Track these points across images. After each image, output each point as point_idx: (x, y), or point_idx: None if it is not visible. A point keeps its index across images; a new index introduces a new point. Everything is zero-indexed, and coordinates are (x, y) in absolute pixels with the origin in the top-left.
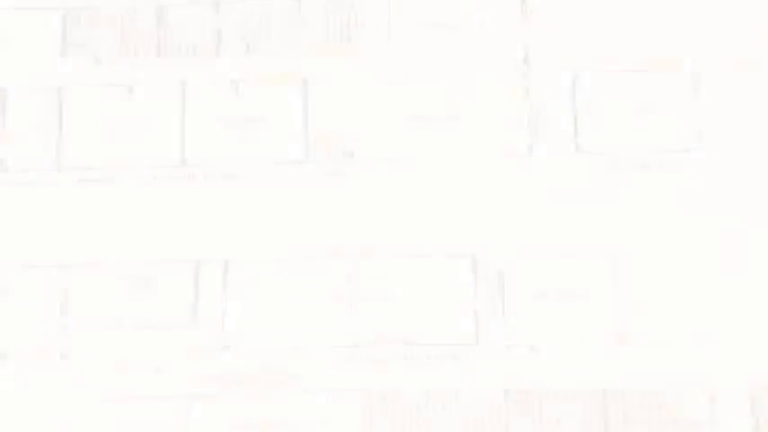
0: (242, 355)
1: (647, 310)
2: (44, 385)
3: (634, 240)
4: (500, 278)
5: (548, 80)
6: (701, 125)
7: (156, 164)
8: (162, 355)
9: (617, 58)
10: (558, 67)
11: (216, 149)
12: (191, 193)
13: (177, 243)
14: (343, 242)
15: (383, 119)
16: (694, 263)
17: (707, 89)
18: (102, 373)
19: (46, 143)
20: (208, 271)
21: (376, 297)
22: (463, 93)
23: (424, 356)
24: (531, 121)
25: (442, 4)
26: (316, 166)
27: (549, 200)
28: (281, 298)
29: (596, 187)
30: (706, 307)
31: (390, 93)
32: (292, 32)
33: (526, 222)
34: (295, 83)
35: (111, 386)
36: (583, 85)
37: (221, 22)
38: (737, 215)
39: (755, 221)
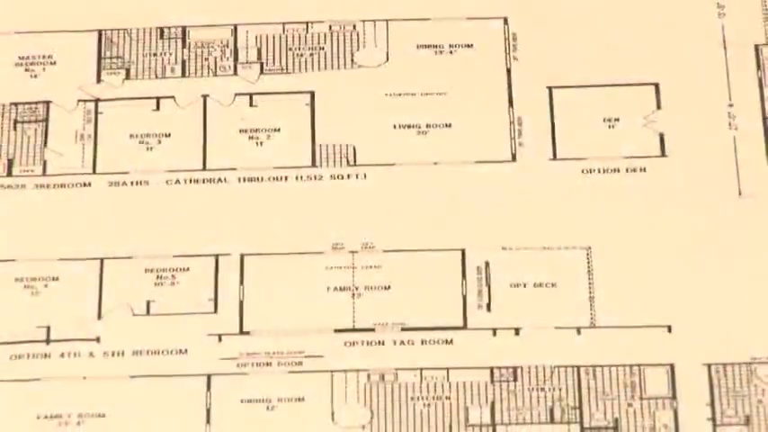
0: (257, 340)
1: (615, 297)
2: (82, 364)
3: (604, 236)
4: (486, 269)
5: (528, 96)
6: (661, 135)
7: (181, 168)
8: (186, 339)
9: (588, 78)
10: (537, 85)
11: (233, 156)
12: (211, 194)
13: (199, 239)
14: (346, 238)
15: (381, 128)
16: (657, 255)
17: (666, 104)
18: (133, 354)
19: (83, 149)
20: (226, 264)
21: (375, 287)
22: (453, 106)
23: (418, 339)
24: (514, 131)
25: (434, 30)
26: (322, 171)
27: (529, 200)
28: (291, 288)
29: (570, 189)
30: (666, 294)
31: (388, 105)
32: (301, 53)
33: (509, 220)
34: (303, 97)
35: (140, 365)
36: (558, 101)
37: (238, 44)
38: (694, 212)
39: (709, 217)
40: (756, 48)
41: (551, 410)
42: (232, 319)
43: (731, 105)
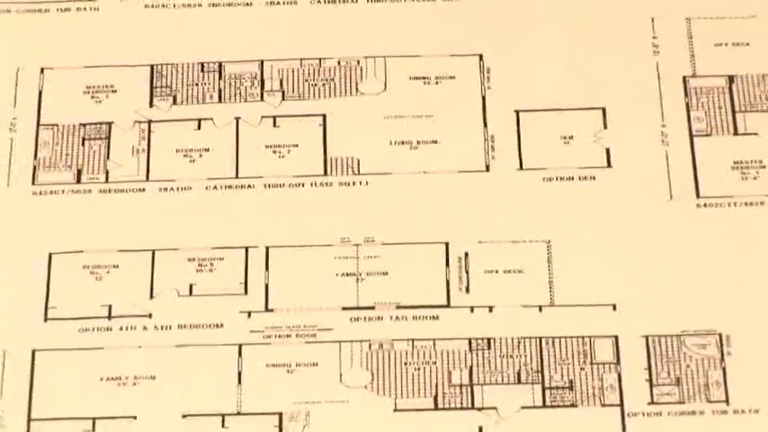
0: (279, 316)
1: (570, 282)
2: (137, 335)
3: (561, 231)
4: (465, 259)
5: (500, 118)
6: (607, 150)
7: (217, 177)
8: (222, 315)
9: (548, 103)
10: (506, 109)
11: (260, 167)
12: (242, 198)
13: (232, 234)
14: (352, 233)
15: (380, 144)
16: (604, 247)
17: (611, 125)
18: (178, 328)
19: (138, 161)
20: (254, 254)
21: (375, 273)
22: (439, 126)
23: (410, 315)
24: (488, 146)
25: (423, 64)
26: (332, 179)
27: (500, 203)
28: (306, 273)
29: (534, 194)
30: (611, 279)
31: (385, 125)
32: (315, 83)
33: (484, 219)
34: (317, 119)
35: (184, 337)
36: (524, 122)
37: (264, 76)
38: (633, 212)
39: (646, 217)
40: (684, 78)
41: (518, 373)
42: (259, 299)
43: (664, 126)
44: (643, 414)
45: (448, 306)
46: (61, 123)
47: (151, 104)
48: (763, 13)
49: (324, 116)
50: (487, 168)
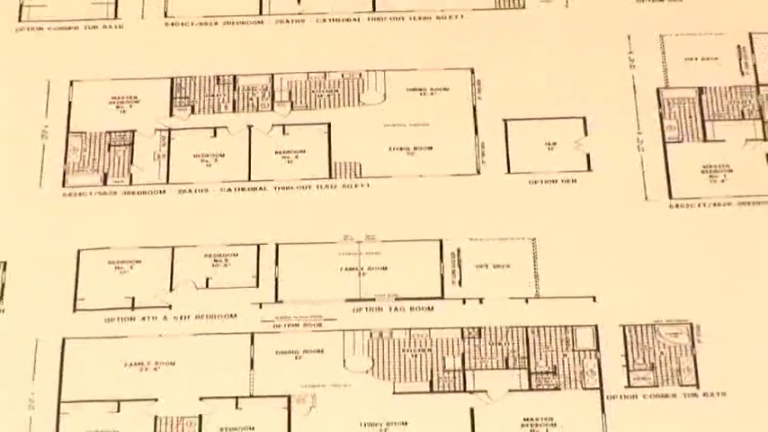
0: (288, 307)
1: (554, 276)
2: (158, 325)
3: (546, 230)
4: (458, 254)
5: (489, 126)
6: (588, 155)
7: (232, 180)
8: (235, 306)
9: (533, 113)
10: (495, 118)
11: (271, 171)
12: (254, 199)
13: (245, 232)
14: (354, 231)
15: (380, 150)
16: (585, 244)
17: (591, 132)
18: (196, 318)
19: (159, 166)
20: (265, 250)
21: (375, 267)
22: (434, 134)
23: (407, 306)
24: (479, 152)
25: (419, 77)
26: (336, 181)
27: (490, 204)
28: (312, 268)
29: (520, 196)
30: (591, 273)
31: (385, 133)
32: (321, 94)
33: (475, 218)
34: (323, 127)
35: (201, 326)
36: (511, 130)
37: (275, 88)
38: (611, 212)
39: (623, 216)
40: (658, 90)
41: (506, 360)
42: (269, 291)
43: (639, 133)
44: (620, 397)
45: (442, 298)
46: (89, 131)
47: (171, 114)
48: (730, 30)
49: (329, 124)
50: (478, 172)
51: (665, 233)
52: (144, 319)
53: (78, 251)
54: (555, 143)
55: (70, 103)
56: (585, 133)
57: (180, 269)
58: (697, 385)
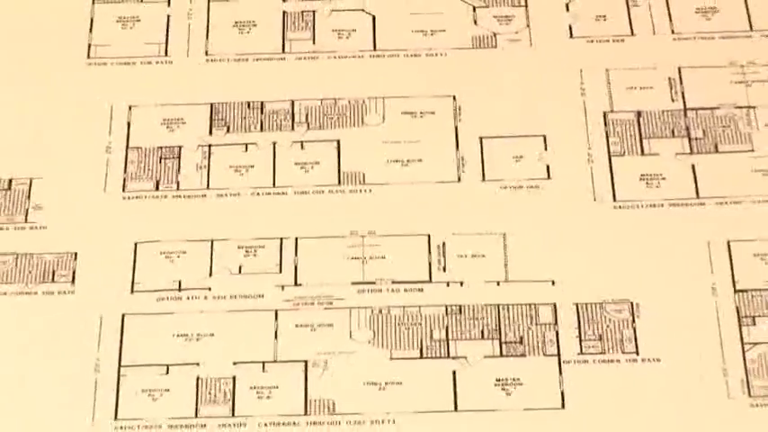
0: (305, 289)
1: (520, 263)
2: (200, 304)
3: (513, 226)
4: (443, 246)
5: (468, 143)
6: (548, 166)
7: (260, 186)
8: (262, 288)
9: (504, 132)
10: (473, 136)
11: (291, 179)
12: (278, 202)
13: (270, 228)
14: (359, 228)
15: (380, 162)
16: (544, 237)
17: (551, 147)
18: (230, 298)
19: (201, 175)
20: (287, 243)
21: (376, 257)
22: (423, 149)
23: (402, 288)
24: (459, 163)
25: (411, 103)
26: (344, 187)
27: (468, 205)
28: (325, 257)
29: (493, 199)
30: (552, 261)
31: (384, 148)
32: (332, 117)
33: (456, 217)
34: (333, 143)
35: (235, 305)
36: (486, 146)
37: (294, 111)
38: (567, 211)
39: (575, 215)
40: (604, 113)
41: (482, 332)
42: (290, 276)
43: (589, 149)
44: (574, 362)
45: (430, 282)
46: (144, 146)
47: (210, 133)
48: (663, 66)
49: (338, 141)
50: (459, 180)
51: (610, 229)
52: (188, 298)
53: (135, 244)
54: (521, 156)
55: (129, 123)
56: (546, 148)
57: (217, 258)
58: (636, 353)
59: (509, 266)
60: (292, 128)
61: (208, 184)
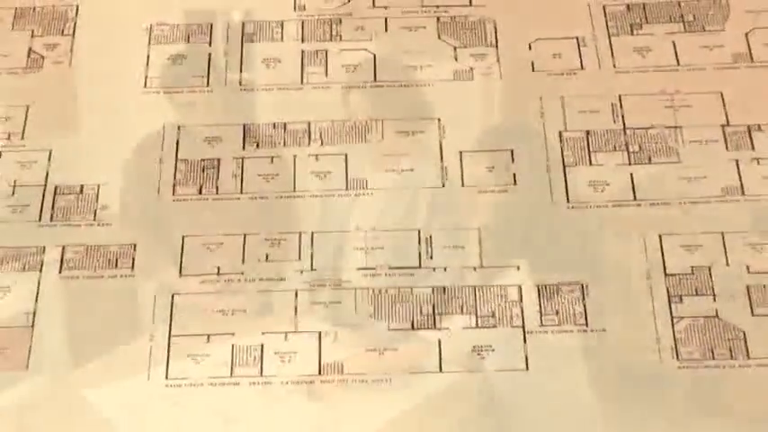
0: (319, 273)
1: (493, 253)
2: (235, 285)
3: (487, 223)
4: (430, 239)
5: (450, 155)
6: (514, 174)
7: (283, 191)
8: (285, 273)
9: (478, 147)
10: (454, 150)
11: (308, 185)
12: (297, 203)
13: (290, 225)
14: (362, 223)
15: (379, 171)
16: (511, 231)
17: (516, 160)
18: (259, 280)
19: (236, 181)
20: (305, 237)
21: (376, 247)
22: (413, 161)
23: (397, 273)
24: (443, 172)
25: (404, 124)
26: (351, 192)
27: (450, 206)
28: (336, 248)
29: (470, 201)
30: (518, 250)
31: (382, 160)
32: (340, 135)
33: (441, 215)
34: (342, 156)
35: (262, 285)
36: (465, 158)
37: (311, 130)
38: (529, 210)
39: (532, 213)
40: (560, 132)
41: (462, 307)
42: (307, 263)
43: (548, 160)
44: (536, 332)
45: (419, 267)
46: (190, 159)
47: (243, 148)
48: (606, 94)
49: (346, 154)
50: (443, 185)
51: (565, 225)
52: (225, 281)
53: (183, 237)
54: (493, 167)
55: (178, 141)
56: (513, 161)
57: (249, 248)
58: (586, 325)
59: (483, 254)
60: (309, 143)
61: (241, 189)
